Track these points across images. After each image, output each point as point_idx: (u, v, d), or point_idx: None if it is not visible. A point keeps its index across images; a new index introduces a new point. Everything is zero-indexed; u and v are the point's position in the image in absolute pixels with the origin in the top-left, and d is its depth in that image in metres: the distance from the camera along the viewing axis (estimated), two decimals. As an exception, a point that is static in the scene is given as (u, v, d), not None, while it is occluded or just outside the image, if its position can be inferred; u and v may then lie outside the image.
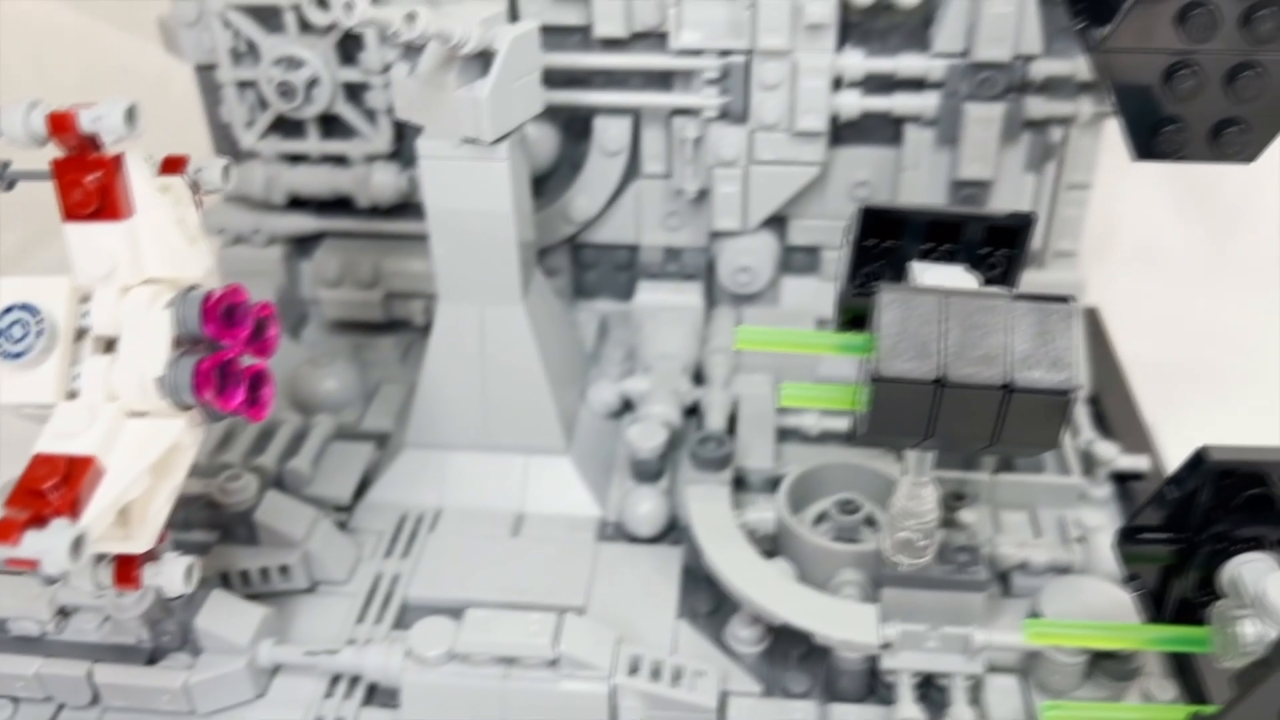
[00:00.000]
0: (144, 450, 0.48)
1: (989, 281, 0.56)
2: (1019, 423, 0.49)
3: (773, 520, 0.68)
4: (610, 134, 0.82)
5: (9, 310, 0.48)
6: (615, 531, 0.74)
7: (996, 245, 0.56)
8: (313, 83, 0.81)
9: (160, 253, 0.50)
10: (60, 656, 0.62)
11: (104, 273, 0.49)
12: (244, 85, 0.83)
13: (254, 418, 0.51)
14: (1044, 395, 0.48)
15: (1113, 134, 0.81)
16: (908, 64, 0.76)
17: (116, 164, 0.48)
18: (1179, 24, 0.52)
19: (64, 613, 0.63)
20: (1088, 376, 0.82)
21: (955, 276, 0.53)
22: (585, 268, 0.91)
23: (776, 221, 0.85)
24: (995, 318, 0.48)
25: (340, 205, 0.89)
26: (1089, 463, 0.74)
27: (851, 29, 0.77)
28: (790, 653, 0.65)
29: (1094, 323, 0.89)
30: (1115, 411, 0.80)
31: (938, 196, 0.80)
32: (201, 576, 0.64)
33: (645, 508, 0.73)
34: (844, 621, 0.61)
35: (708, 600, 0.69)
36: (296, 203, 0.89)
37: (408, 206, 0.86)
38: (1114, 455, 0.74)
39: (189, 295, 0.49)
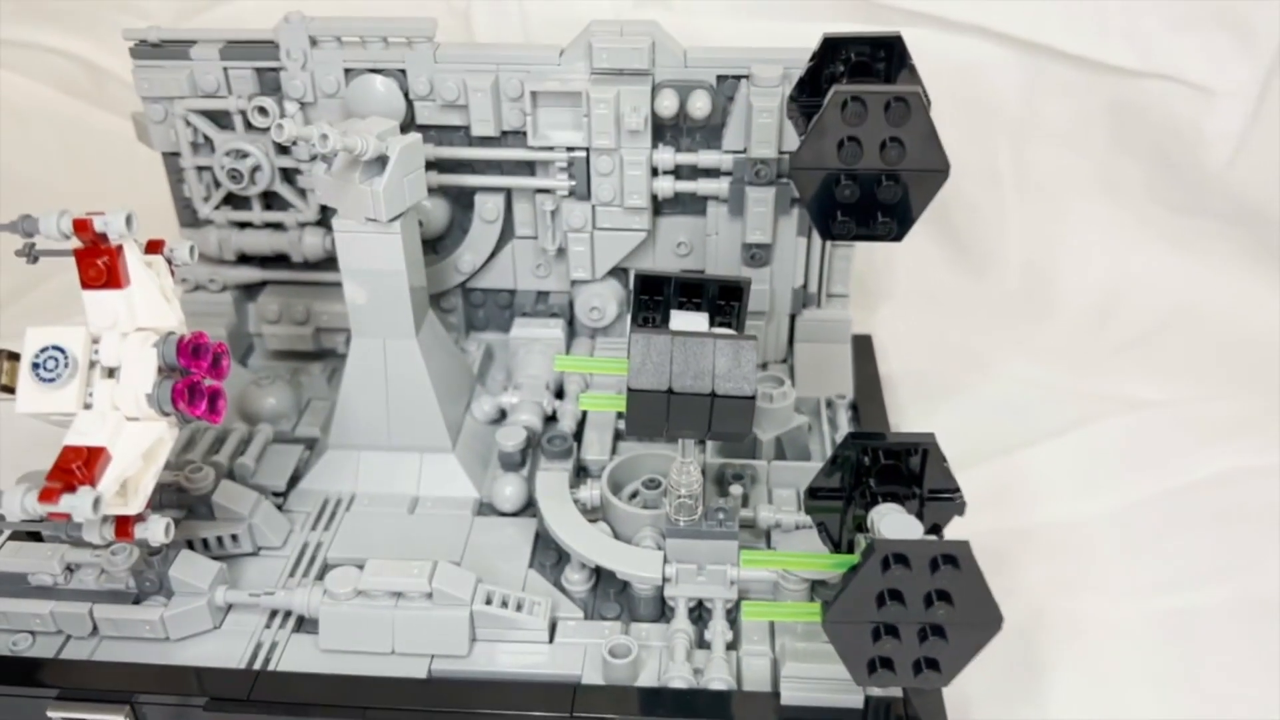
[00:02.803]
0: (137, 443, 0.72)
1: (724, 323, 0.81)
2: (722, 418, 0.74)
3: (598, 496, 0.93)
4: (487, 207, 1.07)
5: (45, 349, 0.72)
6: (488, 509, 0.98)
7: (729, 299, 0.82)
8: (255, 169, 1.05)
9: (146, 309, 0.73)
10: (68, 600, 0.85)
11: (109, 324, 0.73)
12: (201, 169, 1.07)
13: (213, 421, 0.75)
14: (734, 400, 0.73)
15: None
16: (705, 158, 1.02)
17: (118, 251, 0.72)
18: (839, 150, 0.77)
19: (70, 569, 0.86)
20: (851, 389, 1.08)
21: (695, 320, 0.79)
22: (475, 307, 1.16)
23: (620, 271, 1.10)
24: (705, 349, 0.73)
25: (279, 259, 1.12)
26: (840, 453, 1.00)
27: (665, 131, 1.02)
28: (609, 590, 0.90)
29: (865, 347, 1.15)
30: (870, 416, 1.06)
31: (734, 256, 1.05)
32: (174, 539, 0.88)
33: (509, 490, 0.97)
34: (638, 563, 0.86)
35: (553, 555, 0.93)
36: (244, 258, 1.12)
37: (331, 261, 1.10)
38: (857, 447, 0.99)
39: (168, 338, 0.73)
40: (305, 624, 0.86)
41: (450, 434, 1.00)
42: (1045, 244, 1.25)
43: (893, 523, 0.72)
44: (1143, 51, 1.12)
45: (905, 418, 1.08)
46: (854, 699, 0.77)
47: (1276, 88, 1.12)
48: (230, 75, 1.03)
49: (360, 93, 1.02)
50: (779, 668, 0.81)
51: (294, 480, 1.00)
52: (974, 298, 1.24)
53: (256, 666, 0.83)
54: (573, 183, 1.04)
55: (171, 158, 1.09)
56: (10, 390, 0.74)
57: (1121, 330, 1.19)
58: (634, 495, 0.94)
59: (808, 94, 0.86)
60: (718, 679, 0.79)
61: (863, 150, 0.77)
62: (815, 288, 1.08)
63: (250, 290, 1.15)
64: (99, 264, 0.72)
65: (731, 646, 0.83)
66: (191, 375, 0.73)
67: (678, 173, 1.03)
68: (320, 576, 0.90)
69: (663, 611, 0.87)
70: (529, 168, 1.05)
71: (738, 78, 0.99)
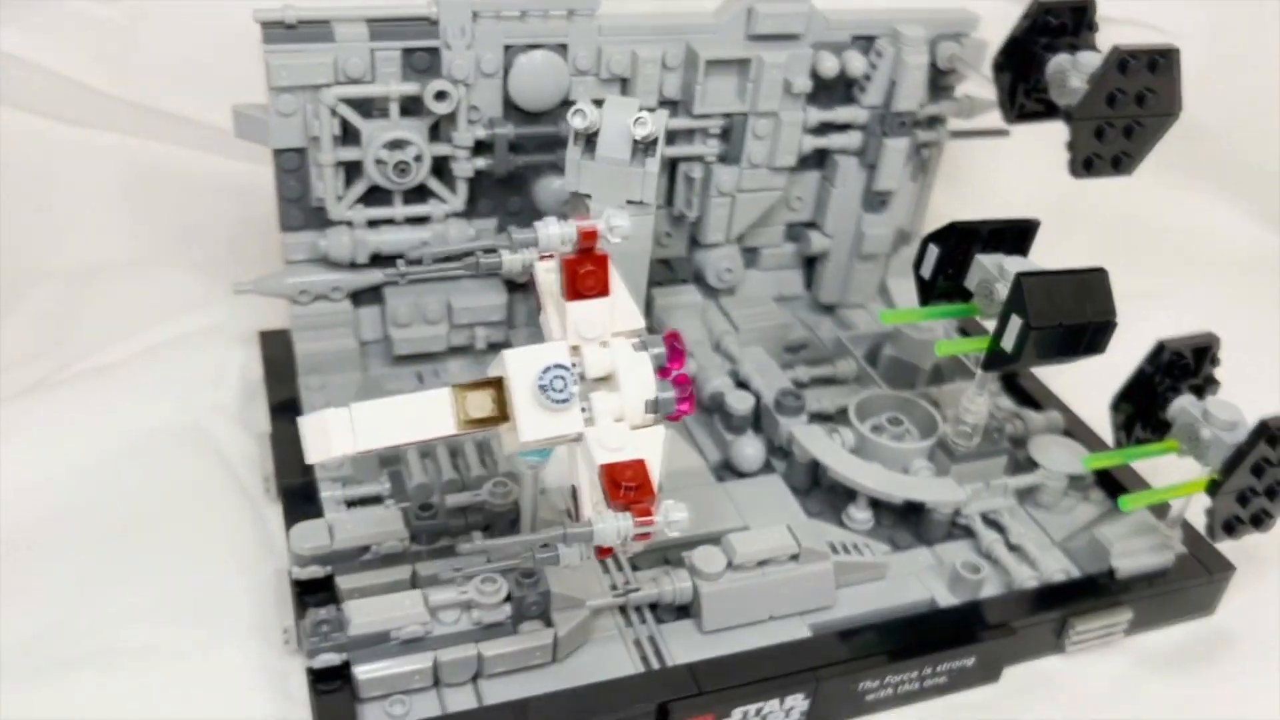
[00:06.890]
0: (655, 450, 0.69)
1: (1014, 262, 0.91)
2: (1087, 345, 0.85)
3: (850, 440, 0.99)
4: (637, 178, 1.06)
5: (548, 369, 0.66)
6: (726, 472, 1.01)
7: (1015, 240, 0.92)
8: (417, 158, 0.96)
9: (621, 314, 0.70)
10: (440, 648, 0.78)
11: (595, 335, 0.68)
12: (339, 164, 0.96)
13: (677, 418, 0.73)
14: (1102, 325, 0.84)
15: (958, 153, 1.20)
16: (844, 113, 1.09)
17: (605, 259, 0.68)
18: (1111, 103, 0.89)
19: (430, 613, 0.79)
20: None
21: (1022, 263, 0.88)
22: (589, 283, 1.14)
23: (736, 232, 1.14)
24: (1071, 285, 0.84)
25: (392, 259, 1.03)
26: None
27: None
28: (885, 522, 0.97)
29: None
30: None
31: (849, 205, 1.13)
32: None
33: (750, 450, 1.00)
34: (939, 490, 0.94)
35: (815, 505, 0.98)
36: (374, 259, 1.02)
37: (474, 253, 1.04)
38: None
39: (652, 339, 0.70)
40: (658, 612, 0.86)
41: (666, 410, 1.00)
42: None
43: (1219, 405, 0.87)
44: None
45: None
46: (1165, 560, 0.92)
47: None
48: (377, 57, 0.93)
49: (525, 69, 0.97)
50: (1076, 554, 0.94)
51: (521, 482, 0.96)
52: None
53: (654, 665, 0.82)
54: (724, 147, 1.06)
55: (287, 154, 0.96)
56: (497, 420, 0.67)
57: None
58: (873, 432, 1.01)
59: (1017, 56, 0.97)
60: (1058, 570, 0.91)
61: (1127, 98, 0.89)
62: (912, 229, 1.20)
63: (358, 297, 1.05)
64: (592, 272, 0.67)
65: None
66: (674, 374, 0.71)
67: (814, 130, 1.09)
68: (634, 569, 0.89)
69: (948, 532, 0.96)
70: (670, 136, 1.06)
71: (870, 38, 1.07)
